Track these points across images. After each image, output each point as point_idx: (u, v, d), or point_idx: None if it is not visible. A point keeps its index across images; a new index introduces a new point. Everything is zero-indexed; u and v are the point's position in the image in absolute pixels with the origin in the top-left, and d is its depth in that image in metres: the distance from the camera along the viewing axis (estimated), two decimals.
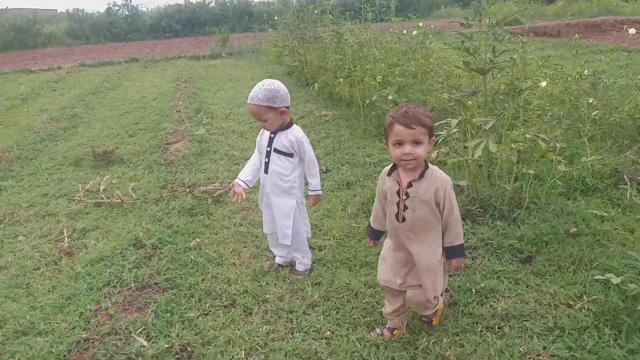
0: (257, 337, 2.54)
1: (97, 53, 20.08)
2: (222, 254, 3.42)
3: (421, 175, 2.17)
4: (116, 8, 32.72)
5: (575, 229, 3.27)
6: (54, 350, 2.47)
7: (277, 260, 3.26)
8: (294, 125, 2.96)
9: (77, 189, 4.73)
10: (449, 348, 2.35)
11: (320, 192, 3.02)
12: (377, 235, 2.50)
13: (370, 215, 2.52)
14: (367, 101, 5.70)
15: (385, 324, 2.53)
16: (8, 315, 2.83)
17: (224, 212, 4.12)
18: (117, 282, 3.05)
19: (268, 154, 2.96)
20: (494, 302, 2.68)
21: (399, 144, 2.12)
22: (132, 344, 2.45)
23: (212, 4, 34.97)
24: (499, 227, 3.41)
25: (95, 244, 3.65)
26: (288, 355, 2.39)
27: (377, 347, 2.40)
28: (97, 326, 2.64)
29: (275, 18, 10.84)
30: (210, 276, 3.13)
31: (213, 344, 2.50)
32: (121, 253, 3.42)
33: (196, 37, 29.45)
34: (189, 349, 2.46)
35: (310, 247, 3.28)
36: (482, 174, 3.65)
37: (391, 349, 2.37)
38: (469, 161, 3.58)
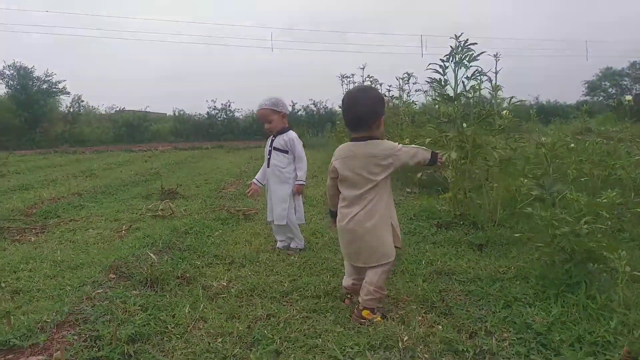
0: (242, 276, 3.26)
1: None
2: (237, 240, 4.21)
3: None
4: (215, 112, 36.46)
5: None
6: (92, 276, 3.31)
7: (278, 245, 4.00)
8: (291, 130, 3.87)
9: (142, 208, 5.80)
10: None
11: (302, 183, 3.83)
12: None
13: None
14: None
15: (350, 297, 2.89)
16: (67, 259, 3.74)
17: (250, 224, 4.95)
18: (150, 244, 3.91)
19: (270, 152, 3.86)
20: (434, 266, 3.24)
21: None
22: (147, 260, 3.27)
23: (301, 112, 38.32)
24: (466, 231, 3.97)
25: (143, 232, 4.57)
26: (259, 285, 3.06)
27: (328, 282, 3.04)
28: (128, 258, 3.48)
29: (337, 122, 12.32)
30: (221, 249, 3.92)
31: (206, 275, 3.25)
32: (159, 235, 4.29)
33: None
34: (187, 275, 3.22)
35: (307, 242, 4.01)
36: (461, 190, 4.25)
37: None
38: (449, 179, 4.22)
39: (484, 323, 2.41)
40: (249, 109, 33.58)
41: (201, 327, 2.53)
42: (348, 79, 10.22)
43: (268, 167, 3.86)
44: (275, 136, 3.85)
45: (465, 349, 2.18)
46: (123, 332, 2.35)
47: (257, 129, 35.01)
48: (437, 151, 2.73)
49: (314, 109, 37.19)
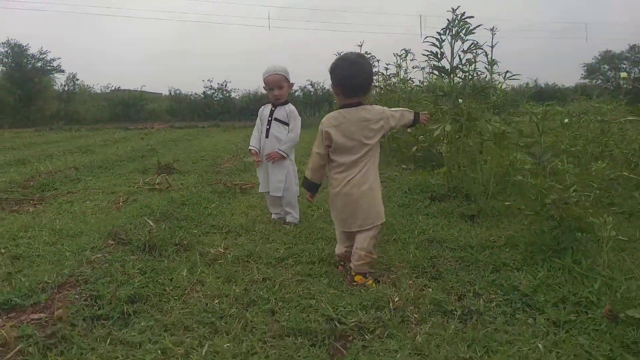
0: (238, 243, 3.32)
1: None
2: (234, 212, 4.27)
3: None
4: (211, 91, 36.15)
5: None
6: (91, 242, 3.36)
7: (273, 217, 4.05)
8: (290, 103, 3.91)
9: (139, 182, 5.84)
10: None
11: (280, 152, 3.82)
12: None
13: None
14: None
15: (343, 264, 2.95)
16: (66, 228, 3.79)
17: (247, 197, 5.00)
18: (148, 214, 3.96)
19: (269, 122, 3.88)
20: (426, 234, 3.31)
21: None
22: (145, 228, 3.32)
23: (298, 93, 38.13)
24: (459, 204, 4.03)
25: (140, 203, 4.61)
26: (255, 251, 3.13)
27: (322, 249, 3.11)
28: (126, 225, 3.54)
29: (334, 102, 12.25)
30: (218, 219, 3.97)
31: (203, 243, 3.31)
32: (157, 205, 4.35)
33: None
34: (184, 242, 3.28)
35: (303, 214, 4.06)
36: (455, 164, 4.31)
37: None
38: (444, 153, 4.27)
39: (472, 286, 2.49)
40: (246, 89, 33.25)
41: (198, 289, 2.59)
42: None
43: (266, 137, 3.89)
44: (275, 106, 3.88)
45: (453, 309, 2.25)
46: (122, 292, 2.42)
47: (253, 109, 34.73)
48: (420, 111, 2.85)
49: (312, 89, 36.88)
